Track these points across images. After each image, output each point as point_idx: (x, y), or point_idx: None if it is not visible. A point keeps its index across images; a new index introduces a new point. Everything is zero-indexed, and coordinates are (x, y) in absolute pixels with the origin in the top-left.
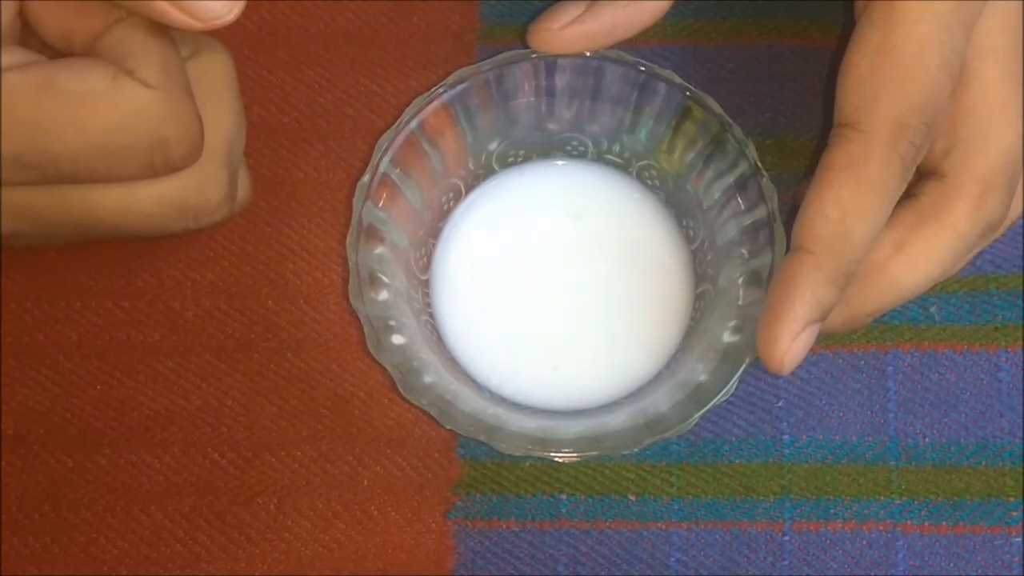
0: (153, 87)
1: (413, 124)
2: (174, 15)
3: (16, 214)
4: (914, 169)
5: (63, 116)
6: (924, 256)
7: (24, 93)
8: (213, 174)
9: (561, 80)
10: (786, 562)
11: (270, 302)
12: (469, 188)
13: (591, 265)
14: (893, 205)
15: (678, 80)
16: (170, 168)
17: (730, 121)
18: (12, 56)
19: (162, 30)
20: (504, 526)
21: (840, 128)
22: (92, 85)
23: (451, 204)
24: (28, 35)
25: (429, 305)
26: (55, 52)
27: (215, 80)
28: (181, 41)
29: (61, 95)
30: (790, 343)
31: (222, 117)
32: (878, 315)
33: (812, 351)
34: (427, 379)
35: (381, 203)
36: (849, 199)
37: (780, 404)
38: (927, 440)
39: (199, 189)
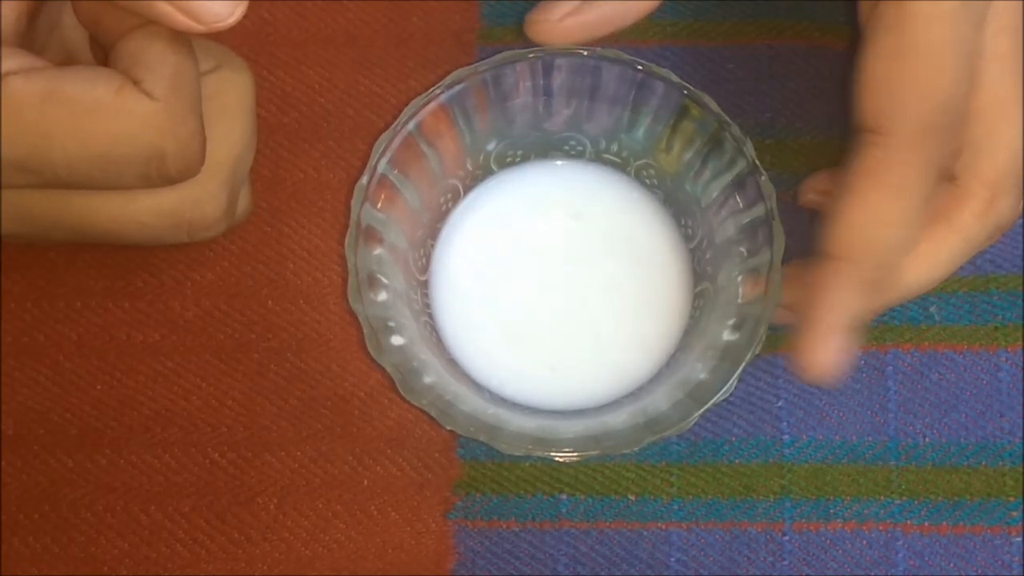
0: (157, 99)
1: (411, 125)
2: (175, 17)
3: (13, 216)
4: (941, 169)
5: (66, 125)
6: (931, 257)
7: (30, 100)
8: (212, 191)
9: (558, 80)
10: (786, 562)
11: (270, 302)
12: (467, 189)
13: (590, 265)
14: (924, 206)
15: (675, 79)
16: (166, 180)
17: (728, 119)
18: (16, 60)
19: (181, 41)
20: (504, 526)
21: (864, 135)
22: (97, 95)
23: (450, 205)
24: (32, 31)
25: (428, 306)
26: (61, 52)
27: (230, 98)
28: (204, 54)
29: (66, 104)
30: (827, 353)
31: (231, 136)
32: (879, 313)
33: None
34: (427, 380)
35: (379, 204)
36: (877, 206)
37: (780, 404)
38: (927, 440)
39: (196, 203)
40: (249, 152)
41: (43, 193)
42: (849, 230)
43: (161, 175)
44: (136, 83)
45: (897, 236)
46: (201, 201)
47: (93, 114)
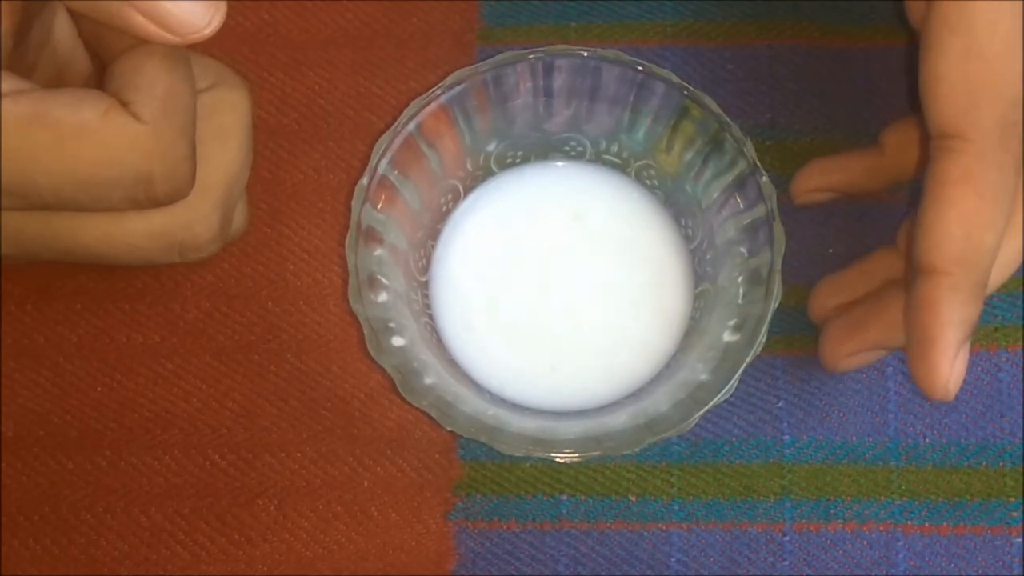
0: (145, 122)
1: (411, 126)
2: (147, 28)
3: (3, 238)
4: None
5: (51, 149)
6: (1011, 253)
7: (15, 123)
8: (204, 213)
9: (559, 80)
10: (786, 562)
11: (270, 303)
12: (468, 189)
13: (590, 265)
14: (1013, 203)
15: (676, 79)
16: (154, 203)
17: (728, 120)
18: (3, 83)
19: (177, 61)
20: (504, 527)
21: (944, 141)
22: (83, 118)
23: (450, 205)
24: (22, 48)
25: (428, 307)
26: (52, 67)
27: (226, 118)
28: (200, 72)
29: (51, 128)
30: (950, 369)
31: (224, 157)
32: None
33: (812, 351)
34: (427, 380)
35: (380, 205)
36: (974, 213)
37: (780, 404)
38: (927, 440)
39: (188, 226)
40: (244, 171)
41: (32, 215)
42: (950, 241)
43: (149, 198)
44: (126, 104)
45: (995, 238)
46: (192, 223)
47: (78, 138)
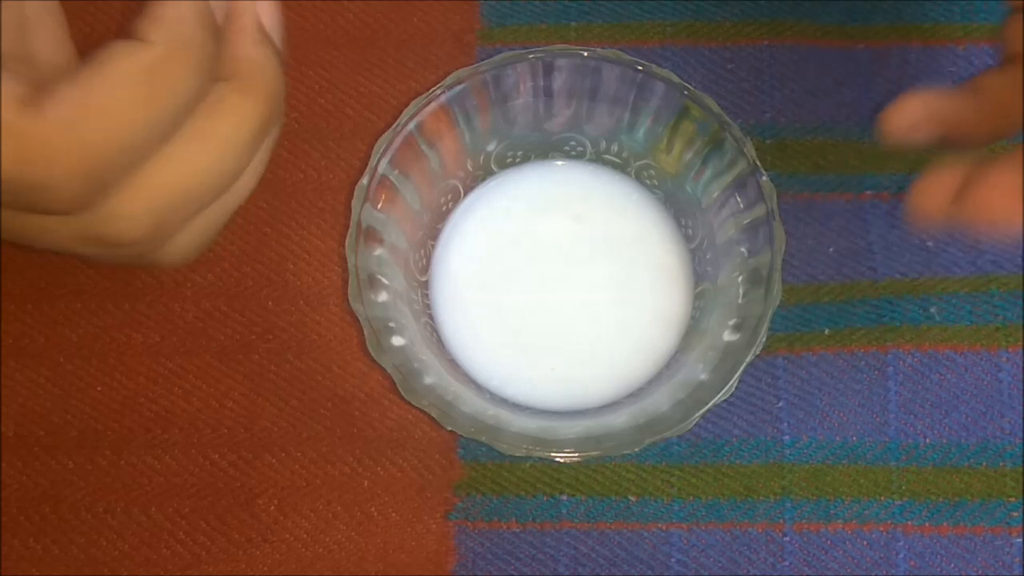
0: (47, 120)
1: (411, 126)
2: None
3: None
4: None
5: None
6: None
7: None
8: (131, 211)
9: (559, 80)
10: (787, 563)
11: (270, 303)
12: (468, 189)
13: (590, 265)
14: None
15: (676, 79)
16: (60, 211)
17: (728, 120)
18: None
19: (159, 73)
20: (505, 527)
21: None
22: None
23: (450, 205)
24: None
25: (428, 306)
26: (15, 19)
27: (216, 124)
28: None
29: None
30: None
31: (187, 163)
32: None
33: (812, 351)
34: (427, 380)
35: (380, 205)
36: None
37: (780, 405)
38: (928, 440)
39: (108, 219)
40: (212, 188)
41: None
42: None
43: (48, 207)
44: (46, 96)
45: None
46: (115, 218)
47: None
